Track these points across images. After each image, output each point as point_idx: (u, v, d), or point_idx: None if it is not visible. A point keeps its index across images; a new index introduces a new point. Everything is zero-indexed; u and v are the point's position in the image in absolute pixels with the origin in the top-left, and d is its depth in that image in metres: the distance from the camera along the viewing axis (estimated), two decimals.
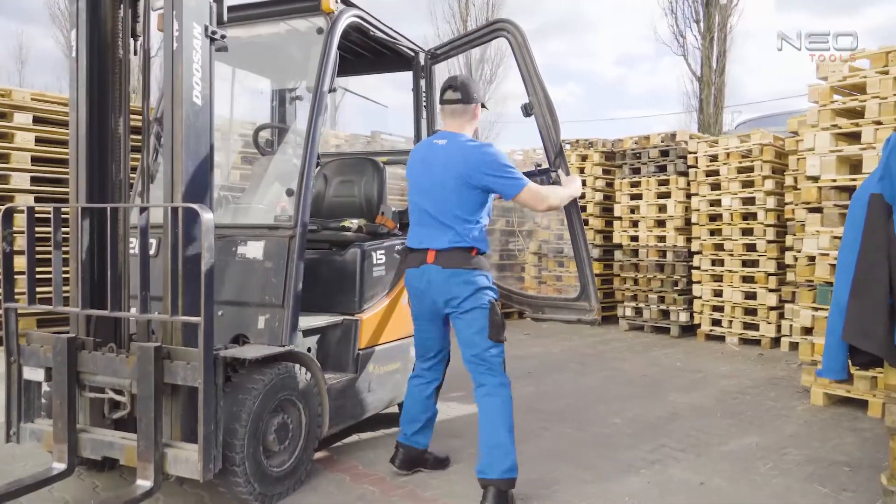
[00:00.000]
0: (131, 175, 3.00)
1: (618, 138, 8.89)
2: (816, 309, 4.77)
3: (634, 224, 8.43)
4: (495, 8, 24.50)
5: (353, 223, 3.67)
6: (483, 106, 3.18)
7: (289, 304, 3.03)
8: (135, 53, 2.94)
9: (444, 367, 3.27)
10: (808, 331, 4.99)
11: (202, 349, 2.49)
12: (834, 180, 4.65)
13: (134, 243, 2.87)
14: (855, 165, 4.69)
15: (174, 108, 2.67)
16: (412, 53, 4.05)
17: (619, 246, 8.56)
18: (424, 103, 4.13)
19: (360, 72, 4.59)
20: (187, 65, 2.67)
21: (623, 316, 8.50)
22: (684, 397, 4.98)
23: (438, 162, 2.97)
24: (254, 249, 3.11)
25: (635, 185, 8.41)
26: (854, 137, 4.61)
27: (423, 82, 4.12)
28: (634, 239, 8.43)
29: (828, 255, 4.67)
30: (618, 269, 8.60)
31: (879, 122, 4.41)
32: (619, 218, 8.55)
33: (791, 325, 7.01)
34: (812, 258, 4.85)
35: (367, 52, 4.10)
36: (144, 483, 2.58)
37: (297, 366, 2.99)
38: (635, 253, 8.41)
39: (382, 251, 3.68)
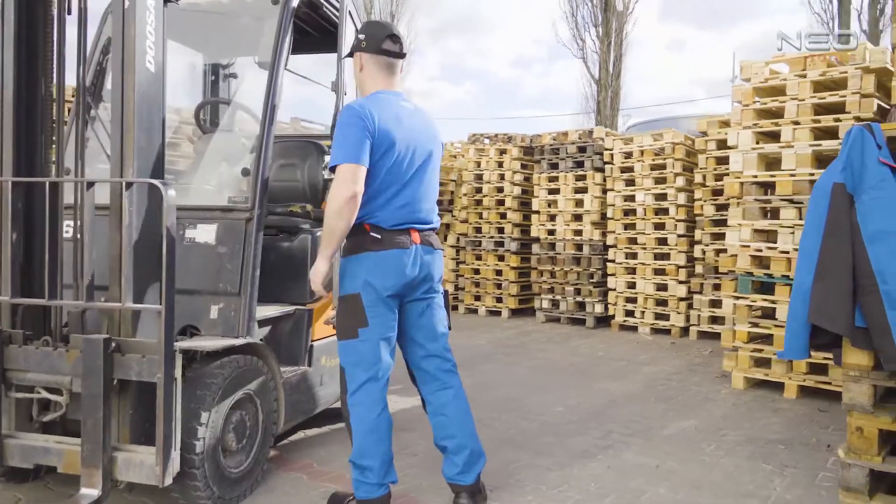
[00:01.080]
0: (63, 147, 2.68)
1: (536, 134, 9.05)
2: (738, 298, 5.03)
3: (552, 218, 8.61)
4: (398, 4, 24.37)
5: (302, 208, 3.48)
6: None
7: (246, 291, 2.82)
8: (69, 12, 2.63)
9: None
10: (714, 319, 5.25)
11: (162, 340, 2.26)
12: (755, 176, 4.92)
13: (68, 224, 2.57)
14: (772, 163, 4.98)
15: (125, 75, 2.40)
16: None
17: (537, 239, 8.71)
18: None
19: (298, 51, 4.36)
20: (140, 27, 2.41)
21: (540, 308, 8.66)
22: (615, 385, 5.12)
23: (417, 129, 2.59)
24: (205, 233, 2.86)
25: (553, 179, 8.58)
26: (774, 136, 4.90)
27: None
28: (552, 233, 8.61)
29: (749, 246, 4.93)
30: (535, 262, 8.74)
31: (797, 122, 4.71)
32: (537, 212, 8.69)
33: (699, 315, 7.41)
34: (720, 250, 5.10)
35: (313, 29, 3.89)
36: (91, 492, 2.31)
37: (255, 358, 2.79)
38: (552, 246, 8.59)
39: None
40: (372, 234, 2.50)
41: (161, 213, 2.52)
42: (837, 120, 4.55)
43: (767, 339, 4.94)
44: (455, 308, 9.49)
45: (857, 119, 4.46)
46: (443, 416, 2.69)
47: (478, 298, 9.24)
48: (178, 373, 2.34)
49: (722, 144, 7.24)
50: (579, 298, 8.32)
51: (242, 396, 2.71)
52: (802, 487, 3.03)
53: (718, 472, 3.23)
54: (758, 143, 4.95)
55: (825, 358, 4.45)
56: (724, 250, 7.17)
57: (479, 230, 9.21)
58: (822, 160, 4.71)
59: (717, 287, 7.27)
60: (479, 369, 5.60)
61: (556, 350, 6.70)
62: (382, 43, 2.62)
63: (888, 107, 4.68)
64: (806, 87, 4.67)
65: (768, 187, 5.01)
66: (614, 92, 22.45)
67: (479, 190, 9.25)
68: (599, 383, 5.15)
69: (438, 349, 2.69)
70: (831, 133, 4.65)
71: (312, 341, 3.31)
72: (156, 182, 2.28)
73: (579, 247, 8.38)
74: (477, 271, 9.24)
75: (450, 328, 2.75)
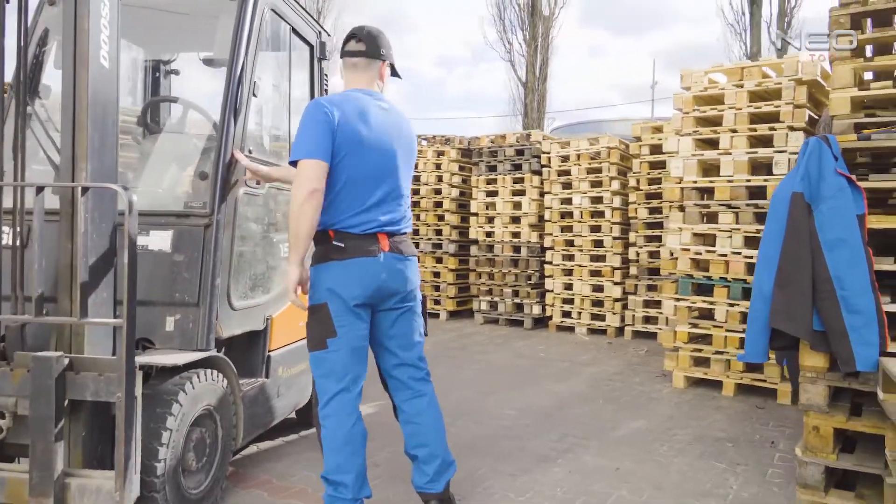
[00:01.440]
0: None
1: (475, 136, 9.08)
2: (678, 299, 5.19)
3: (490, 220, 8.66)
4: (325, 1, 23.94)
5: None
6: (393, 70, 2.69)
7: (206, 302, 2.66)
8: (7, 0, 2.41)
9: None
10: (648, 319, 5.40)
11: (124, 357, 2.10)
12: (695, 181, 5.10)
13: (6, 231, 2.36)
14: (709, 169, 5.17)
15: (77, 71, 2.23)
16: (315, 33, 3.76)
17: (476, 241, 8.74)
18: (325, 90, 3.86)
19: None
20: (94, 20, 2.24)
21: (479, 309, 8.70)
22: (560, 386, 5.19)
23: (388, 129, 2.50)
24: (159, 240, 2.69)
25: (491, 182, 8.63)
26: (712, 143, 5.08)
27: (323, 66, 3.85)
28: (490, 234, 8.66)
29: (689, 249, 5.10)
30: (474, 263, 8.78)
31: (735, 131, 4.91)
32: (476, 214, 8.73)
33: (634, 315, 7.63)
34: (653, 252, 5.25)
35: None
36: None
37: (215, 372, 2.64)
38: (491, 248, 8.64)
39: None
40: (335, 242, 2.41)
41: (114, 219, 2.37)
42: (772, 129, 4.76)
43: (706, 339, 5.13)
44: None
45: (791, 128, 4.69)
46: (415, 424, 2.63)
47: None
48: (138, 391, 2.19)
49: (656, 149, 7.49)
50: (517, 300, 8.40)
51: (202, 412, 2.57)
52: (756, 485, 3.15)
53: (675, 473, 3.31)
54: (697, 149, 5.12)
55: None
56: (658, 252, 7.44)
57: (416, 232, 9.15)
58: (757, 167, 4.93)
59: (651, 288, 7.51)
60: None
61: (499, 352, 6.74)
62: (346, 45, 2.63)
63: (817, 117, 4.94)
64: (743, 97, 4.87)
65: (706, 192, 5.20)
66: (541, 95, 22.82)
67: (416, 192, 9.20)
68: (546, 385, 5.21)
69: (412, 358, 2.63)
70: (766, 141, 4.87)
71: (270, 351, 3.17)
72: (114, 187, 2.12)
73: (517, 249, 8.46)
74: None
75: (426, 335, 2.69)
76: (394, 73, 2.72)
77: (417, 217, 9.13)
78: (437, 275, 8.99)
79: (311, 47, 3.70)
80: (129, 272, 2.10)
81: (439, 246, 8.95)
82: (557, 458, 3.49)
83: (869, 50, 3.97)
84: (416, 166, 9.10)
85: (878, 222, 2.62)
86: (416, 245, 9.08)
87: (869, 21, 3.78)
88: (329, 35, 3.89)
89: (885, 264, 2.58)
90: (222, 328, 2.77)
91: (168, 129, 3.44)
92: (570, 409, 4.47)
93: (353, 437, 2.43)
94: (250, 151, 2.96)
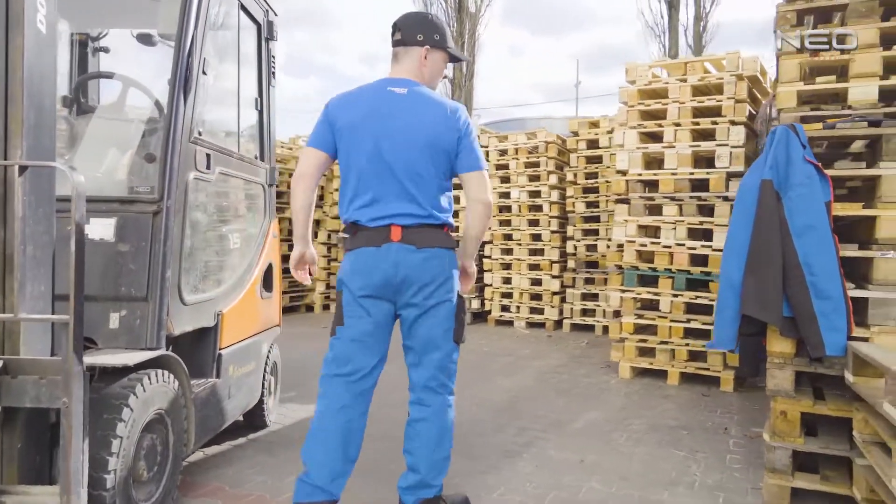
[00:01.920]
0: None
1: None
2: (624, 291, 5.24)
3: None
4: None
5: None
6: (451, 54, 2.54)
7: (155, 296, 2.43)
8: None
9: None
10: (586, 312, 5.45)
11: (70, 357, 1.86)
12: (640, 174, 5.16)
13: None
14: (651, 162, 5.25)
15: (10, 35, 1.96)
16: (262, 12, 3.54)
17: None
18: (273, 73, 3.65)
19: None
20: None
21: None
22: (510, 380, 5.15)
23: (402, 115, 2.35)
24: (101, 228, 2.43)
25: None
26: (656, 137, 5.15)
27: (271, 46, 3.63)
28: None
29: (634, 241, 5.16)
30: None
31: (678, 124, 4.99)
32: None
33: (572, 308, 7.71)
34: (591, 245, 5.30)
35: None
36: None
37: (165, 372, 2.42)
38: None
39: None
40: (345, 233, 2.45)
41: (53, 203, 2.12)
42: (714, 123, 4.87)
43: (651, 329, 5.20)
44: (326, 308, 9.17)
45: (732, 122, 4.81)
46: (411, 429, 2.47)
47: None
48: (86, 396, 1.95)
49: (592, 144, 7.57)
50: None
51: (154, 417, 2.34)
52: (718, 471, 3.17)
53: (638, 462, 3.30)
54: (642, 142, 5.18)
55: (704, 346, 4.77)
56: (595, 246, 7.53)
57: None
58: (699, 160, 5.03)
59: (588, 281, 7.61)
60: None
61: None
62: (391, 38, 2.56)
63: (754, 112, 5.10)
64: (686, 91, 4.96)
65: (649, 185, 5.27)
66: (467, 92, 22.92)
67: None
68: (496, 379, 5.16)
69: (430, 362, 2.41)
70: (708, 135, 4.98)
71: (221, 349, 2.95)
72: (59, 166, 1.87)
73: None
74: None
75: (461, 341, 2.46)
76: (452, 58, 2.58)
77: None
78: None
79: (259, 26, 3.49)
80: (75, 262, 1.86)
81: None
82: (521, 452, 3.42)
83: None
84: None
85: (842, 209, 2.68)
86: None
87: (812, 17, 3.90)
88: (276, 15, 3.67)
89: (850, 251, 2.63)
90: (173, 325, 2.54)
91: (103, 109, 3.15)
92: (523, 403, 4.43)
93: (331, 422, 2.31)
94: (200, 133, 2.73)
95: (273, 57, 3.66)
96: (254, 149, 3.52)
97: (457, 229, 2.76)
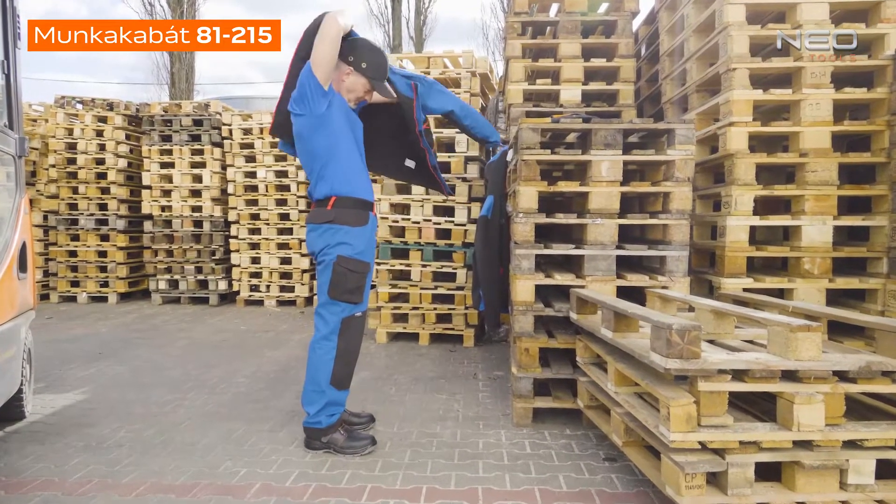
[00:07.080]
0: None
1: (144, 102, 8.37)
2: (380, 263, 5.71)
3: (167, 193, 8.14)
4: None
5: None
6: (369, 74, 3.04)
7: None
8: None
9: None
10: None
11: None
12: None
13: None
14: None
15: None
16: None
17: (150, 217, 8.14)
18: (18, 33, 3.33)
19: None
20: None
21: (156, 289, 8.14)
22: (277, 352, 5.33)
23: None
24: None
25: (166, 153, 8.11)
26: None
27: (15, 4, 3.32)
28: (166, 209, 8.15)
29: (387, 218, 5.66)
30: (149, 240, 8.17)
31: None
32: (149, 187, 8.11)
33: None
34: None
35: None
36: None
37: None
38: (168, 223, 8.14)
39: None
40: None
41: None
42: None
43: (404, 297, 5.77)
44: (46, 297, 8.24)
45: None
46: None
47: (76, 284, 8.18)
48: None
49: None
50: (201, 276, 8.11)
51: None
52: (475, 405, 3.80)
53: (410, 407, 3.79)
54: None
55: (449, 309, 5.48)
56: None
57: (73, 206, 8.13)
58: (440, 146, 5.69)
59: None
60: (129, 355, 5.16)
61: (197, 328, 6.51)
62: None
63: (485, 105, 5.91)
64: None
65: None
66: (188, 66, 21.65)
67: (72, 161, 8.14)
68: (263, 353, 5.30)
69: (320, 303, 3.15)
70: (448, 124, 5.64)
71: None
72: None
73: (199, 223, 8.14)
74: (73, 253, 8.17)
75: (331, 296, 3.02)
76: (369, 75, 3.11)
77: (75, 190, 8.11)
78: (102, 254, 8.12)
79: None
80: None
81: (104, 222, 8.10)
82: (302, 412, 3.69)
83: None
84: (71, 132, 8.09)
85: (565, 186, 3.40)
86: (75, 221, 8.09)
87: (531, 28, 4.72)
88: None
89: (571, 220, 3.37)
90: None
91: None
92: (296, 371, 4.66)
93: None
94: None
95: (18, 16, 3.34)
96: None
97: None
